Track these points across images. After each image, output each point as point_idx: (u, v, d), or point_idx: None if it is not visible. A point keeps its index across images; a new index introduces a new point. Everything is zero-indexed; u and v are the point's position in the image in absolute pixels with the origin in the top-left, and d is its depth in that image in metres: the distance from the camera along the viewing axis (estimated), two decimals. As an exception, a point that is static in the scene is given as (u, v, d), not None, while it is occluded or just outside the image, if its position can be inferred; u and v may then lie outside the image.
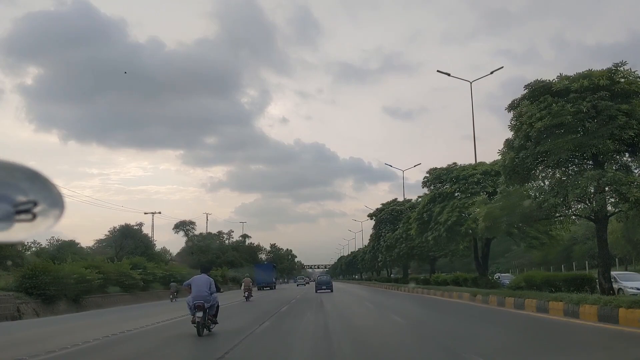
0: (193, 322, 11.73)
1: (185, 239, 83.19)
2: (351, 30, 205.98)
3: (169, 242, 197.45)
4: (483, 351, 8.71)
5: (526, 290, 16.65)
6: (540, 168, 15.54)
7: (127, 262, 39.23)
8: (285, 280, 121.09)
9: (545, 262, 59.63)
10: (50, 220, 1.53)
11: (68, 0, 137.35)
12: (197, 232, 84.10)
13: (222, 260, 72.82)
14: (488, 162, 27.11)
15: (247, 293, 30.76)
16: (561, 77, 15.66)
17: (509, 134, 16.10)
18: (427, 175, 28.78)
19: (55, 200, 1.54)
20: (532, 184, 15.89)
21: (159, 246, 71.11)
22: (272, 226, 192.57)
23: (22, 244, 44.75)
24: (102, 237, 61.75)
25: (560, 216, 16.11)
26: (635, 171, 15.00)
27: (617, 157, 15.42)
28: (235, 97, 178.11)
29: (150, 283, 41.36)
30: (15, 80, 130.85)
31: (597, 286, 15.79)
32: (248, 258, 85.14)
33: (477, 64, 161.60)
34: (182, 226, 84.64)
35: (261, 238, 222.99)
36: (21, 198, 1.48)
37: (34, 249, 47.50)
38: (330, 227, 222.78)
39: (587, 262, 56.54)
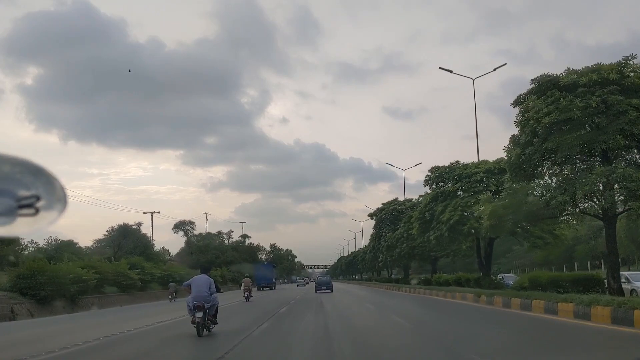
0: (193, 322, 11.65)
1: (184, 239, 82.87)
2: (351, 30, 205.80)
3: (169, 242, 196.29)
4: (490, 354, 8.29)
5: (532, 291, 16.11)
6: (547, 165, 15.04)
7: (124, 262, 38.72)
8: (285, 280, 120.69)
9: (547, 262, 59.17)
10: (53, 215, 1.53)
11: (68, 0, 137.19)
12: (196, 232, 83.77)
13: (221, 261, 72.33)
14: (491, 160, 26.64)
15: (246, 293, 30.49)
16: (569, 71, 15.21)
17: (509, 134, 15.68)
18: (429, 173, 28.34)
19: (58, 195, 1.53)
20: (539, 182, 15.38)
21: (158, 246, 70.97)
22: (272, 226, 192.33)
23: (19, 243, 44.65)
24: (101, 237, 61.43)
25: (568, 214, 15.63)
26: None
27: (625, 153, 14.97)
28: (235, 97, 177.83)
29: (148, 283, 40.83)
30: (15, 80, 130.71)
31: (606, 286, 15.34)
32: (248, 258, 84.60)
33: (477, 64, 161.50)
34: (182, 226, 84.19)
35: (261, 238, 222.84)
36: (24, 192, 1.48)
37: (31, 248, 47.19)
38: (330, 227, 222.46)
39: (589, 262, 56.14)
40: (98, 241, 61.55)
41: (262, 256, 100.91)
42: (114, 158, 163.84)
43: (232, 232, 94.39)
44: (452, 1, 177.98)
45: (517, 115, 15.75)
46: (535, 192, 15.37)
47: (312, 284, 62.44)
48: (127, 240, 57.01)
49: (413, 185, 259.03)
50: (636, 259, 51.15)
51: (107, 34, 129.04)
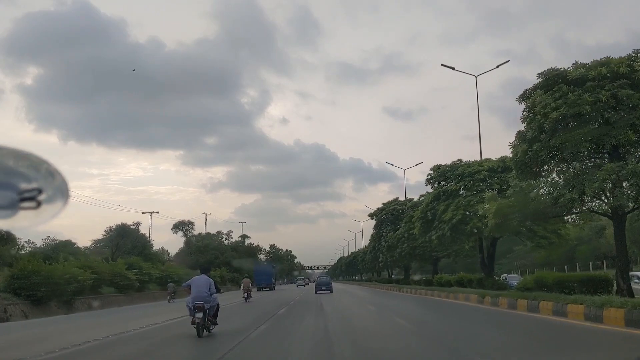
0: (193, 322, 11.60)
1: (184, 239, 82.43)
2: (351, 30, 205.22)
3: (169, 242, 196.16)
4: (499, 358, 7.80)
5: (539, 292, 15.59)
6: (554, 161, 14.55)
7: (122, 262, 38.26)
8: (285, 281, 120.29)
9: (548, 262, 58.67)
10: (55, 208, 1.52)
11: (68, 0, 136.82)
12: (196, 233, 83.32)
13: (220, 261, 71.88)
14: (494, 159, 26.18)
15: (246, 294, 30.28)
16: (577, 65, 14.74)
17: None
18: (431, 172, 27.88)
19: (60, 189, 1.53)
20: (547, 179, 14.89)
21: (158, 246, 70.79)
22: (271, 227, 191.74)
23: (16, 243, 44.18)
24: (100, 237, 60.92)
25: (577, 212, 15.15)
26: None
27: (635, 149, 14.49)
28: (235, 97, 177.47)
29: (146, 284, 40.38)
30: (15, 80, 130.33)
31: (615, 287, 14.88)
32: (247, 258, 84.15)
33: (477, 64, 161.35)
34: (181, 226, 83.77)
35: (261, 239, 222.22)
36: (25, 185, 1.47)
37: (28, 248, 46.74)
38: (330, 227, 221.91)
39: (591, 263, 55.66)
40: (97, 241, 61.19)
41: (262, 256, 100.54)
42: (114, 158, 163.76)
43: (232, 232, 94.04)
44: (452, 1, 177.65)
45: (523, 110, 15.30)
46: (542, 190, 14.88)
47: (312, 285, 62.22)
48: (125, 241, 56.53)
49: (413, 185, 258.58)
50: (638, 260, 50.64)
51: (107, 34, 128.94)
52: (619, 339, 9.56)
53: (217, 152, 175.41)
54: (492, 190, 23.90)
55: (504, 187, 23.24)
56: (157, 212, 73.96)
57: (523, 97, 15.76)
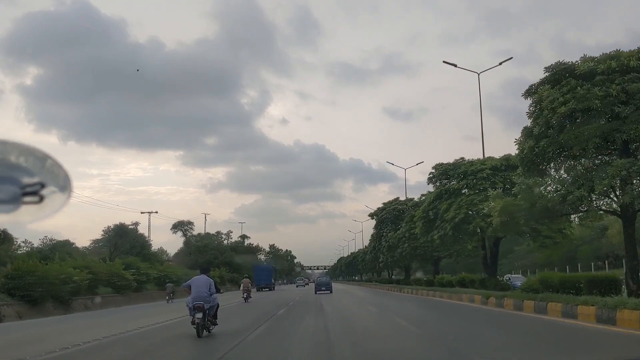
0: (193, 323, 11.59)
1: (183, 239, 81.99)
2: (351, 30, 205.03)
3: (168, 242, 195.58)
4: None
5: (547, 293, 15.10)
6: (562, 157, 14.09)
7: (119, 262, 37.80)
8: (285, 281, 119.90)
9: (549, 263, 58.21)
10: (57, 203, 1.51)
11: (68, 0, 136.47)
12: (195, 233, 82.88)
13: (219, 261, 71.47)
14: (497, 157, 25.73)
15: (245, 294, 30.11)
16: (585, 59, 14.30)
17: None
18: (433, 170, 27.41)
19: (62, 183, 1.53)
20: (555, 176, 14.41)
21: (158, 247, 70.44)
22: (271, 227, 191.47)
23: (13, 242, 43.73)
24: (99, 237, 60.44)
25: (586, 211, 14.67)
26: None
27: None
28: (235, 98, 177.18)
29: (144, 284, 39.92)
30: (15, 80, 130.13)
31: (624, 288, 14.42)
32: (246, 259, 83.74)
33: (477, 64, 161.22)
34: (180, 226, 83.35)
35: (261, 239, 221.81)
36: (28, 180, 1.46)
37: (25, 248, 46.32)
38: (330, 228, 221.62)
39: (593, 263, 55.23)
40: (95, 241, 60.73)
41: (262, 257, 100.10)
42: (114, 158, 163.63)
43: (231, 232, 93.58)
44: (452, 1, 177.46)
45: (530, 106, 14.85)
46: (549, 187, 14.42)
47: (312, 285, 62.02)
48: (123, 240, 56.09)
49: (413, 186, 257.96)
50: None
51: (107, 34, 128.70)
52: (633, 341, 9.12)
53: (217, 153, 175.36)
54: (496, 189, 23.46)
55: (507, 186, 22.84)
56: (156, 212, 73.52)
57: (529, 92, 15.32)
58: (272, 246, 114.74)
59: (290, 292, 50.01)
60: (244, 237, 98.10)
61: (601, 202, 14.98)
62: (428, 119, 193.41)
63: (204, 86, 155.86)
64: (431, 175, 27.51)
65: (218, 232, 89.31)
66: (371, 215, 58.01)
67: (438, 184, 27.17)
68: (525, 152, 14.20)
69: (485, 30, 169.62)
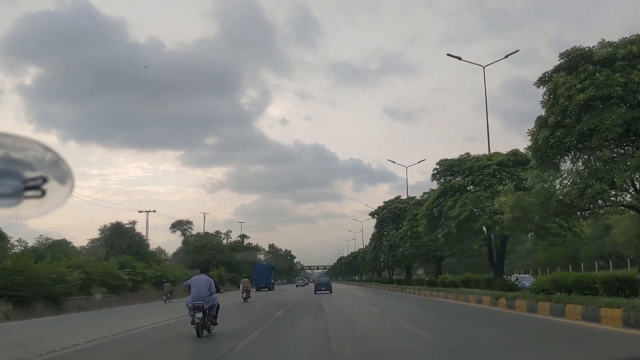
0: (192, 322, 11.55)
1: (182, 238, 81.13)
2: (351, 30, 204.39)
3: (168, 242, 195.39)
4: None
5: (564, 294, 14.11)
6: (580, 148, 13.14)
7: (114, 262, 36.91)
8: (284, 281, 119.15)
9: (551, 262, 57.38)
10: (60, 197, 1.51)
11: (68, 0, 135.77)
12: (194, 232, 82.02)
13: (218, 261, 70.63)
14: (504, 152, 24.82)
15: (245, 294, 29.65)
16: (603, 44, 13.39)
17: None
18: (437, 166, 26.47)
19: (64, 177, 1.52)
20: (573, 168, 13.46)
21: (156, 246, 69.66)
22: (271, 227, 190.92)
23: (7, 241, 42.84)
24: (97, 236, 59.48)
25: (606, 205, 13.73)
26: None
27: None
28: (235, 98, 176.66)
29: (140, 284, 39.06)
30: (14, 80, 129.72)
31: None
32: (246, 258, 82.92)
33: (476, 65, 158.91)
34: (179, 226, 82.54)
35: (260, 239, 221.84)
36: (30, 174, 1.46)
37: (19, 247, 45.35)
38: (330, 228, 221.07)
39: (596, 263, 54.37)
40: (93, 241, 59.79)
41: (261, 256, 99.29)
42: (114, 158, 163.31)
43: (231, 232, 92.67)
44: (452, 1, 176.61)
45: (544, 94, 13.93)
46: (565, 181, 13.48)
47: (312, 285, 61.50)
48: (120, 240, 55.12)
49: (413, 186, 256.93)
50: (647, 260, 49.20)
51: (107, 34, 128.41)
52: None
53: (216, 153, 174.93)
54: (502, 185, 22.57)
55: (514, 182, 21.95)
56: (154, 211, 72.65)
57: (542, 81, 14.40)
58: (271, 246, 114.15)
59: (290, 292, 49.42)
60: (243, 236, 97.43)
61: (618, 198, 14.09)
62: (428, 119, 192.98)
63: (204, 86, 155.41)
64: (435, 172, 26.59)
65: (217, 232, 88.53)
66: (372, 214, 57.14)
67: (442, 181, 26.25)
68: (540, 142, 13.25)
69: (485, 31, 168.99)
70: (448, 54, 28.32)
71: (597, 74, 12.50)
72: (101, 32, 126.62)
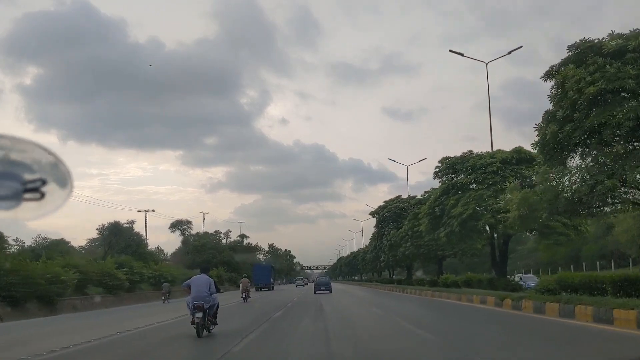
0: (192, 322, 11.54)
1: (181, 238, 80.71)
2: (351, 30, 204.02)
3: (167, 242, 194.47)
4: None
5: (572, 295, 13.60)
6: (589, 143, 12.65)
7: (111, 261, 36.41)
8: (284, 281, 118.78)
9: (553, 262, 56.92)
10: (59, 199, 1.50)
11: (68, 0, 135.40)
12: (194, 232, 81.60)
13: (217, 260, 70.22)
14: (508, 150, 24.33)
15: (244, 294, 29.44)
16: (613, 36, 12.91)
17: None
18: (439, 164, 25.98)
19: (63, 180, 1.52)
20: (583, 164, 12.96)
21: (155, 246, 69.39)
22: (271, 227, 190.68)
23: (4, 241, 42.38)
24: (96, 236, 59.05)
25: (617, 202, 13.24)
26: None
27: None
28: (235, 98, 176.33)
29: (137, 284, 38.56)
30: (14, 80, 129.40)
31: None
32: (245, 258, 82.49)
33: (477, 64, 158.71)
34: (179, 225, 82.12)
35: (260, 239, 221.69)
36: (29, 176, 1.45)
37: (16, 247, 44.89)
38: (330, 228, 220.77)
39: (598, 262, 53.91)
40: (92, 240, 59.41)
41: (261, 256, 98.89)
42: (114, 158, 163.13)
43: (230, 232, 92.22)
44: (452, 1, 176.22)
45: (551, 88, 13.46)
46: (574, 177, 12.99)
47: (311, 285, 61.25)
48: (118, 239, 54.70)
49: (413, 186, 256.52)
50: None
51: (107, 34, 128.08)
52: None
53: (216, 152, 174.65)
54: (506, 183, 22.08)
55: (519, 180, 21.46)
56: (153, 211, 72.25)
57: (549, 74, 13.93)
58: (271, 246, 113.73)
59: (290, 292, 49.14)
60: (242, 236, 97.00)
61: (628, 195, 13.61)
62: (428, 119, 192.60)
63: (204, 86, 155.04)
64: (437, 169, 26.09)
65: (217, 232, 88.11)
66: (372, 214, 56.60)
67: (445, 179, 25.75)
68: (548, 137, 12.76)
69: (485, 31, 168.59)
70: (450, 50, 27.91)
71: (608, 67, 12.05)
72: (101, 32, 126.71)
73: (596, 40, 13.10)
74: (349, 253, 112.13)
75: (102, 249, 53.98)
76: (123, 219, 64.87)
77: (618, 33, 13.04)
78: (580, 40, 13.26)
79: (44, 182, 1.43)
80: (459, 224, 23.11)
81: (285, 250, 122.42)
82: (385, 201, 54.17)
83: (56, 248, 45.25)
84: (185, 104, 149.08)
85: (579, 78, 12.26)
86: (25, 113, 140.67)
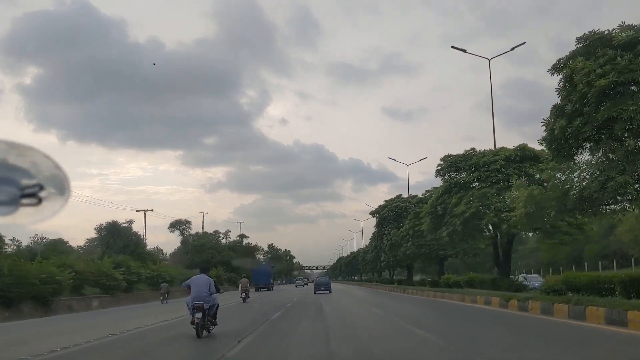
0: (192, 323, 11.53)
1: (180, 238, 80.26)
2: (351, 30, 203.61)
3: (167, 242, 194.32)
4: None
5: (583, 296, 13.09)
6: (599, 138, 12.18)
7: (108, 261, 35.97)
8: (284, 281, 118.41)
9: (554, 262, 56.52)
10: (56, 205, 1.50)
11: (67, 0, 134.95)
12: (193, 232, 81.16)
13: (217, 260, 69.81)
14: (511, 147, 23.87)
15: (244, 294, 29.25)
16: (623, 27, 12.46)
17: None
18: (442, 162, 25.50)
19: (61, 185, 1.52)
20: (594, 159, 12.50)
21: (154, 246, 68.99)
22: (271, 227, 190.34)
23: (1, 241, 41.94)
24: (95, 236, 58.58)
25: (629, 200, 12.76)
26: None
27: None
28: (235, 98, 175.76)
29: (135, 284, 38.11)
30: (14, 80, 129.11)
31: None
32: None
33: (477, 64, 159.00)
34: (178, 225, 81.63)
35: (260, 239, 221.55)
36: (27, 181, 1.45)
37: (12, 246, 44.46)
38: (330, 228, 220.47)
39: (600, 262, 53.48)
40: (90, 240, 58.94)
41: (260, 256, 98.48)
42: (114, 158, 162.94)
43: (230, 231, 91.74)
44: (452, 1, 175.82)
45: (559, 82, 13.01)
46: (584, 174, 12.54)
47: (311, 285, 60.97)
48: (116, 239, 54.23)
49: (412, 186, 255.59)
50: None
51: (107, 34, 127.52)
52: None
53: (216, 152, 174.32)
54: (509, 181, 21.65)
55: (525, 178, 21.05)
56: (152, 210, 71.79)
57: (556, 68, 13.48)
58: (270, 246, 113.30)
59: (289, 293, 48.82)
60: (242, 236, 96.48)
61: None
62: (428, 119, 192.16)
63: (203, 86, 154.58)
64: (439, 167, 25.62)
65: (216, 232, 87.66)
66: (372, 214, 56.09)
67: (447, 177, 25.28)
68: (556, 132, 12.28)
69: (485, 31, 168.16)
70: (452, 46, 27.45)
71: (619, 58, 11.60)
72: (101, 32, 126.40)
73: (606, 32, 12.65)
74: (349, 253, 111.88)
75: (101, 249, 53.55)
76: (123, 219, 64.50)
77: (628, 24, 12.60)
78: (590, 32, 12.82)
79: (41, 188, 1.44)
80: (461, 223, 22.66)
81: (285, 250, 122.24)
82: (385, 200, 53.69)
83: (54, 248, 44.81)
84: (185, 104, 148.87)
85: (588, 70, 11.82)
86: (25, 113, 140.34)
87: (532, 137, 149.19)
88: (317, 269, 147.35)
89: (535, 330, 11.42)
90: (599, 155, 12.27)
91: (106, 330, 13.85)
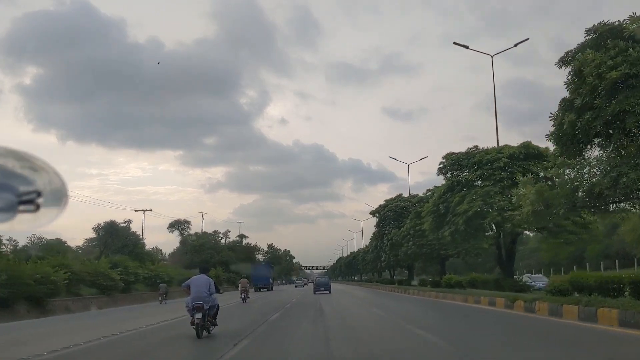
0: (192, 323, 11.50)
1: (180, 238, 79.87)
2: (351, 30, 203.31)
3: (167, 242, 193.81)
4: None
5: (595, 297, 12.59)
6: (610, 133, 11.74)
7: (105, 261, 35.54)
8: (284, 281, 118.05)
9: (555, 262, 56.14)
10: (54, 211, 1.50)
11: (67, 0, 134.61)
12: (192, 232, 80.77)
13: (216, 260, 69.43)
14: (515, 145, 23.42)
15: (243, 294, 29.04)
16: (634, 18, 12.01)
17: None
18: (444, 160, 25.04)
19: (59, 192, 1.51)
20: (605, 154, 12.04)
21: (154, 246, 68.68)
22: (270, 227, 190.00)
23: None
24: (93, 235, 58.17)
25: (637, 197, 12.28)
26: None
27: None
28: (235, 98, 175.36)
29: (132, 284, 37.67)
30: (14, 80, 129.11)
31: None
32: (244, 258, 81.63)
33: (477, 64, 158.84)
34: (177, 225, 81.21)
35: (260, 239, 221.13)
36: (25, 188, 1.45)
37: (9, 246, 44.02)
38: (330, 228, 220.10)
39: (602, 262, 53.06)
40: (89, 240, 58.58)
41: (260, 256, 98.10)
42: (113, 158, 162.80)
43: (229, 231, 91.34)
44: (452, 2, 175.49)
45: (568, 75, 12.57)
46: (594, 170, 12.09)
47: (311, 285, 60.78)
48: (114, 239, 53.84)
49: (413, 186, 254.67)
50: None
51: (106, 34, 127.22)
52: None
53: (216, 153, 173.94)
54: (513, 179, 21.20)
55: (527, 175, 20.60)
56: (150, 210, 71.46)
57: (564, 61, 13.04)
58: (270, 246, 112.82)
59: (289, 293, 48.55)
60: (241, 236, 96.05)
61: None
62: (428, 119, 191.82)
63: (203, 86, 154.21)
64: (441, 165, 25.16)
65: (215, 232, 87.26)
66: (372, 213, 55.69)
67: (449, 175, 24.84)
68: (565, 127, 11.82)
69: (485, 31, 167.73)
70: (455, 43, 27.06)
71: (630, 50, 11.16)
72: (101, 32, 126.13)
73: (616, 23, 12.20)
74: (349, 253, 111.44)
75: (99, 249, 53.17)
76: (122, 218, 64.13)
77: (639, 15, 12.14)
78: (599, 24, 12.37)
79: (39, 194, 1.44)
80: (464, 222, 22.21)
81: (285, 250, 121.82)
82: (386, 200, 53.27)
83: (52, 248, 44.45)
84: (185, 104, 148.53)
85: (599, 62, 11.37)
86: (25, 113, 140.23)
87: (533, 137, 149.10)
88: (316, 269, 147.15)
89: (545, 332, 10.99)
90: (610, 150, 11.82)
91: (105, 331, 13.80)
